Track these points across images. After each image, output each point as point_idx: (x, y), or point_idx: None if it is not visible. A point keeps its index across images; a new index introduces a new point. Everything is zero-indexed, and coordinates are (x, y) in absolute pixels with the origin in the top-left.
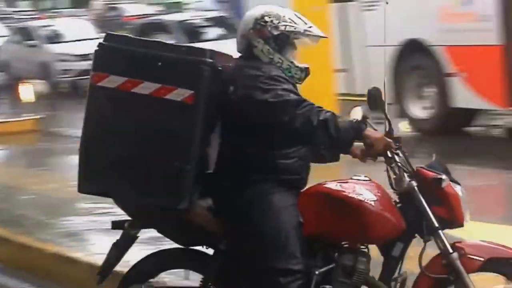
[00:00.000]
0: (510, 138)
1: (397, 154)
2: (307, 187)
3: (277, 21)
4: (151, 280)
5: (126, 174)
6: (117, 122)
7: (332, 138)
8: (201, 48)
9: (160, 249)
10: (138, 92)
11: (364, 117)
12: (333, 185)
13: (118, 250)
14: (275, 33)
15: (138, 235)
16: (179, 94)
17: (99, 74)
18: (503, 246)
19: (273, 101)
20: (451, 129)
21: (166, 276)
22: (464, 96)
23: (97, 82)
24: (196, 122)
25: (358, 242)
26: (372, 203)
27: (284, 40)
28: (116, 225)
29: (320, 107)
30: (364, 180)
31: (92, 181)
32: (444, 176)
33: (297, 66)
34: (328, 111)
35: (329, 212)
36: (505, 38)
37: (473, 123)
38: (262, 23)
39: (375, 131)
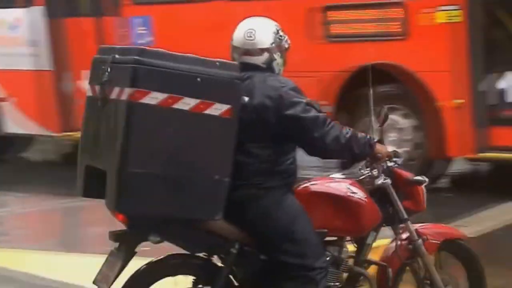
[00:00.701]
0: (63, 164)
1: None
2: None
3: (285, 36)
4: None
5: (166, 189)
6: (158, 138)
7: (355, 156)
8: (233, 63)
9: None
10: (178, 108)
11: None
12: (325, 185)
13: (123, 261)
14: (286, 46)
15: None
16: (217, 109)
17: (141, 91)
18: (450, 228)
19: (304, 116)
20: (7, 156)
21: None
22: (17, 122)
23: (139, 99)
24: (234, 135)
25: (348, 235)
26: (363, 199)
27: (286, 54)
28: (117, 237)
29: (339, 124)
30: (344, 178)
31: (131, 200)
32: (426, 178)
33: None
34: (348, 129)
35: (325, 209)
36: (54, 64)
37: (30, 148)
38: (280, 37)
39: (382, 145)
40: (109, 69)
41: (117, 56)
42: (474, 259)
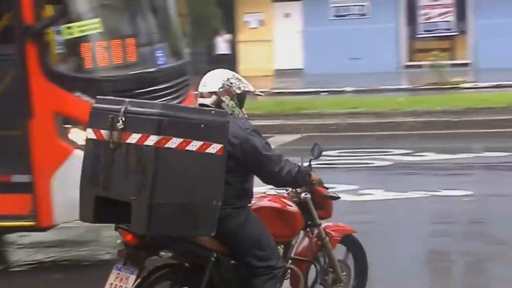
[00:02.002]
0: None
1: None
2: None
3: (239, 83)
4: None
5: (181, 214)
6: (176, 175)
7: (300, 184)
8: (223, 111)
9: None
10: (189, 149)
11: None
12: (268, 201)
13: (137, 275)
14: (238, 92)
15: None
16: (214, 148)
17: (166, 138)
18: (346, 225)
19: (266, 154)
20: None
21: None
22: None
23: (164, 144)
24: (224, 168)
25: (286, 239)
26: (296, 210)
27: (243, 98)
28: (127, 254)
29: (287, 160)
30: (277, 194)
31: (157, 224)
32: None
33: (245, 116)
34: (295, 164)
35: (271, 220)
36: None
37: None
38: (229, 84)
39: (315, 174)
40: (122, 118)
41: (129, 107)
42: (361, 250)
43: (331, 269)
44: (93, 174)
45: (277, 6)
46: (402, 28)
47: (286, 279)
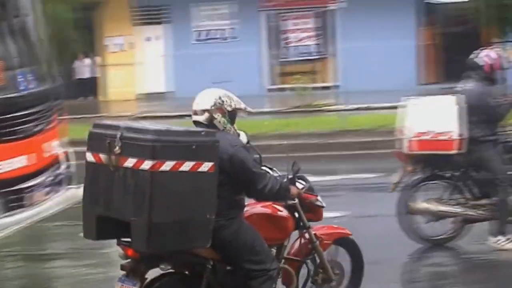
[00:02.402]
0: None
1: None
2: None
3: (229, 101)
4: None
5: (178, 231)
6: (171, 195)
7: (280, 199)
8: (213, 131)
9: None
10: (182, 169)
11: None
12: (260, 208)
13: (140, 286)
14: (229, 109)
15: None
16: (206, 166)
17: (160, 162)
18: (340, 228)
19: (253, 171)
20: None
21: None
22: None
23: (158, 168)
24: (216, 184)
25: (279, 242)
26: (286, 214)
27: (234, 115)
28: (129, 267)
29: (273, 176)
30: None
31: (156, 242)
32: (323, 204)
33: (238, 132)
34: (279, 181)
35: (264, 225)
36: None
37: None
38: (221, 102)
39: (293, 187)
40: (118, 143)
41: (126, 133)
42: (357, 250)
43: (321, 270)
44: (94, 194)
45: (140, 29)
46: (265, 52)
47: (279, 278)
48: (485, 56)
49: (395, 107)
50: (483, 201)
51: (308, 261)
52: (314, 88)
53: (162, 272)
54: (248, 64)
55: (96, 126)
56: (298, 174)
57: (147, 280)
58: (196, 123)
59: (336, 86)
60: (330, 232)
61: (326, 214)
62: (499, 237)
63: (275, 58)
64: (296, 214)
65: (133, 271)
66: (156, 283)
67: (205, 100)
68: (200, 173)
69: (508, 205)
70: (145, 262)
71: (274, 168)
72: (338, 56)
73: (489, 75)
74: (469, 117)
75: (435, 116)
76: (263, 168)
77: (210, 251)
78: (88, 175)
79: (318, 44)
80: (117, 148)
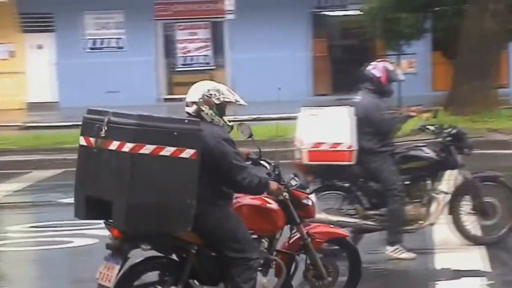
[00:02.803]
0: None
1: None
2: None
3: (218, 94)
4: (137, 282)
5: (157, 212)
6: (150, 177)
7: (258, 193)
8: (196, 120)
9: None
10: (162, 154)
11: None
12: (249, 199)
13: (121, 265)
14: (217, 102)
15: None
16: (187, 153)
17: (139, 144)
18: (336, 228)
19: (233, 163)
20: None
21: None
22: None
23: (138, 150)
24: (198, 171)
25: (267, 234)
26: (276, 207)
27: (222, 107)
28: (112, 247)
29: (253, 171)
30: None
31: (134, 222)
32: (310, 200)
33: (227, 124)
34: (258, 176)
35: (251, 216)
36: None
37: None
38: (208, 95)
39: (274, 183)
40: (104, 127)
41: (112, 118)
42: (355, 252)
43: (312, 267)
44: (83, 176)
45: (29, 37)
46: (160, 61)
47: (271, 269)
48: (373, 68)
49: (290, 118)
50: (374, 212)
51: (297, 256)
52: None
53: (151, 255)
54: (143, 74)
55: (89, 111)
56: (294, 173)
57: (134, 262)
58: (188, 114)
59: None
60: (324, 231)
61: None
62: (396, 246)
63: (170, 68)
64: (280, 210)
65: (117, 250)
66: (140, 266)
67: (194, 92)
68: (181, 159)
69: (400, 215)
70: (128, 242)
71: (273, 162)
72: (227, 67)
73: (378, 88)
74: (359, 129)
75: (328, 127)
76: (262, 162)
77: (194, 236)
78: (79, 157)
79: (207, 55)
80: (103, 131)
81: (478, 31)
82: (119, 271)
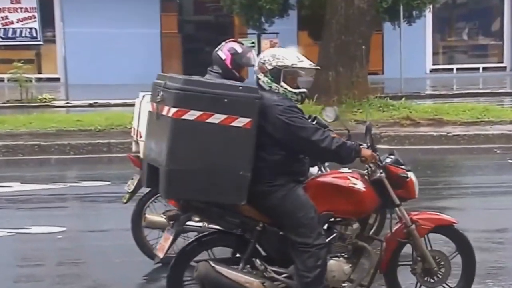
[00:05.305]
0: None
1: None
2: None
3: (272, 59)
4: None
5: (202, 181)
6: (194, 144)
7: (342, 158)
8: (253, 87)
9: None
10: (210, 121)
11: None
12: (330, 178)
13: (175, 235)
14: (269, 68)
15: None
16: (241, 122)
17: (182, 110)
18: (442, 215)
19: (304, 126)
20: None
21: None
22: None
23: (180, 116)
24: (254, 142)
25: (350, 216)
26: (362, 188)
27: (277, 73)
28: (170, 217)
29: (330, 133)
30: (349, 172)
31: (174, 189)
32: (408, 174)
33: (291, 91)
34: (339, 139)
35: (330, 196)
36: None
37: None
38: (262, 62)
39: (366, 149)
40: (161, 92)
41: (168, 82)
42: (464, 240)
43: (419, 258)
44: (147, 143)
45: None
46: None
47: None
48: (219, 50)
49: (129, 105)
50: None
51: (383, 243)
52: (39, 79)
53: (213, 230)
54: None
55: (158, 77)
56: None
57: (199, 235)
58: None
59: (57, 79)
60: (430, 217)
61: (45, 229)
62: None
63: None
64: (370, 191)
65: (174, 220)
66: (204, 238)
67: (255, 62)
68: (232, 128)
69: None
70: (183, 212)
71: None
72: (58, 42)
73: (225, 73)
74: None
75: None
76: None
77: (258, 213)
78: (147, 124)
79: (33, 28)
80: (159, 96)
81: (345, 9)
82: (172, 242)
